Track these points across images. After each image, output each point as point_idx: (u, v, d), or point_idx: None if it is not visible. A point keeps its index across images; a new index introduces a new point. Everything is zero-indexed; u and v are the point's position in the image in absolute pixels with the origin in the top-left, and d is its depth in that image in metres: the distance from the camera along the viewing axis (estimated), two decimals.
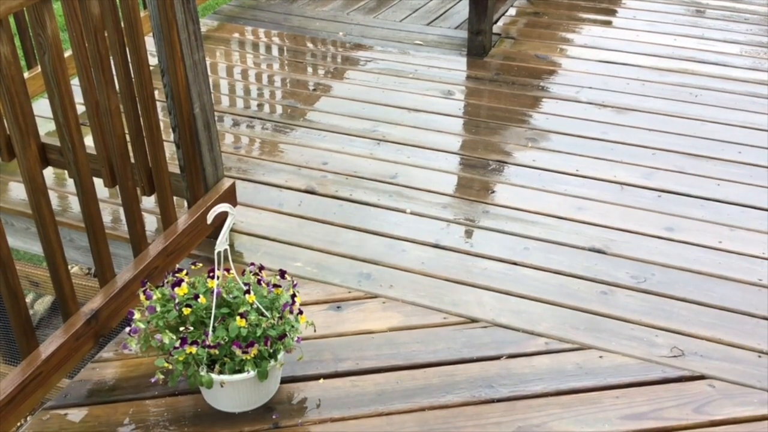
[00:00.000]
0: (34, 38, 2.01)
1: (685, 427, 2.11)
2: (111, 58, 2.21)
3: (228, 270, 2.13)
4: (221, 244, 2.07)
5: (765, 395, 2.19)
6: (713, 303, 2.52)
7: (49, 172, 2.94)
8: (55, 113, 2.12)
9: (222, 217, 2.08)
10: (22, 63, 2.50)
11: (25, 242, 3.05)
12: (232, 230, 2.59)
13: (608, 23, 4.55)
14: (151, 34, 2.40)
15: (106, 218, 2.78)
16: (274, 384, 2.19)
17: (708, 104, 3.67)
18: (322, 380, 2.24)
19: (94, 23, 2.12)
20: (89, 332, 2.21)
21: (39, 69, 2.77)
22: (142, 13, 2.68)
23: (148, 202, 2.83)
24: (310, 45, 4.35)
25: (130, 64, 2.29)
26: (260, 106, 3.78)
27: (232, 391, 2.08)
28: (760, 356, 2.32)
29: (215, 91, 3.85)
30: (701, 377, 2.25)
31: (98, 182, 2.35)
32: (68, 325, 2.18)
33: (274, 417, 2.13)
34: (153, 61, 2.46)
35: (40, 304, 4.40)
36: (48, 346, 2.10)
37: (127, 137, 2.36)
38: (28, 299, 4.33)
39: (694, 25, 4.50)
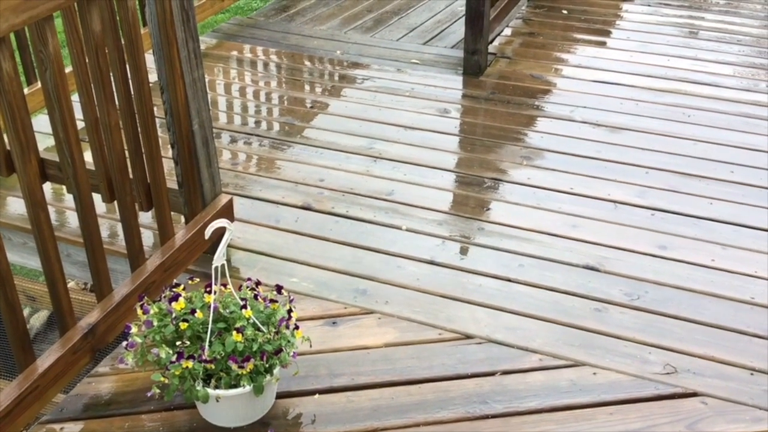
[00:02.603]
0: (35, 55, 2.03)
1: None
2: (111, 74, 2.24)
3: (225, 285, 2.14)
4: (218, 259, 2.09)
5: (757, 412, 2.21)
6: (706, 321, 2.54)
7: (46, 187, 2.95)
8: (55, 129, 2.14)
9: (219, 233, 2.09)
10: (22, 78, 2.52)
11: (22, 257, 3.05)
12: (229, 246, 2.60)
13: (602, 44, 4.60)
14: (151, 51, 2.42)
15: (104, 233, 2.79)
16: (270, 399, 2.19)
17: (701, 124, 3.70)
18: (317, 395, 2.25)
19: (95, 40, 2.14)
20: (86, 346, 2.22)
21: (39, 85, 2.80)
22: (143, 31, 2.70)
23: (146, 217, 2.85)
24: (307, 63, 4.38)
25: (130, 81, 2.31)
26: (258, 122, 3.80)
27: (227, 406, 2.09)
28: (752, 374, 2.34)
29: (213, 107, 3.88)
30: (694, 394, 2.27)
31: (96, 197, 2.36)
32: (65, 339, 2.19)
33: None
34: (153, 77, 2.48)
35: (36, 319, 4.39)
36: (45, 360, 2.11)
37: (126, 153, 2.38)
38: (25, 313, 4.33)
39: (687, 46, 4.55)
